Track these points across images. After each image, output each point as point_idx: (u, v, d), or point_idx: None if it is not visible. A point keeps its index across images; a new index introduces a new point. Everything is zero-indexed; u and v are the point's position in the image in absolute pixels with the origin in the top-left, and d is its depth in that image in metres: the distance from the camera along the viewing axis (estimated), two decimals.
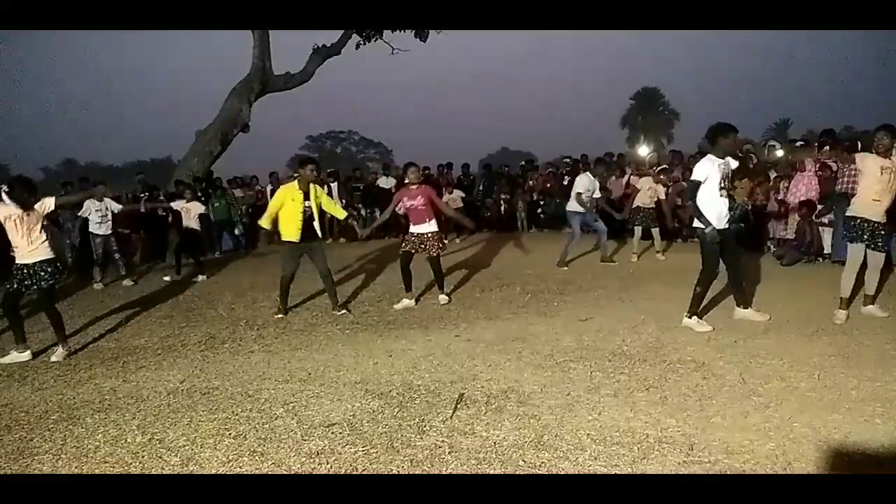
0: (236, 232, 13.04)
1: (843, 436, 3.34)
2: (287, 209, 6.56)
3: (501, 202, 14.86)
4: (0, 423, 4.02)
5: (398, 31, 16.10)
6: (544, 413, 3.77)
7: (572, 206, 9.15)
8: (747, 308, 5.75)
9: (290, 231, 6.58)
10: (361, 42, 16.32)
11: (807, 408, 3.71)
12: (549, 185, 14.48)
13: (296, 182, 6.67)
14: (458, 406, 3.92)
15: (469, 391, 4.17)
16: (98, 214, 9.14)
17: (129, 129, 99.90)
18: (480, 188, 15.38)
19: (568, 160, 14.84)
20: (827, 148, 9.26)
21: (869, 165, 5.43)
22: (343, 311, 6.73)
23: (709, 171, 5.37)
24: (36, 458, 3.49)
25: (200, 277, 9.39)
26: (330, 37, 16.20)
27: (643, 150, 15.65)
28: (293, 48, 16.36)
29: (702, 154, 13.32)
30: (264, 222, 6.80)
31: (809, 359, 4.55)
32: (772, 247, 9.57)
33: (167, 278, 9.45)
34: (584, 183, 9.07)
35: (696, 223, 5.47)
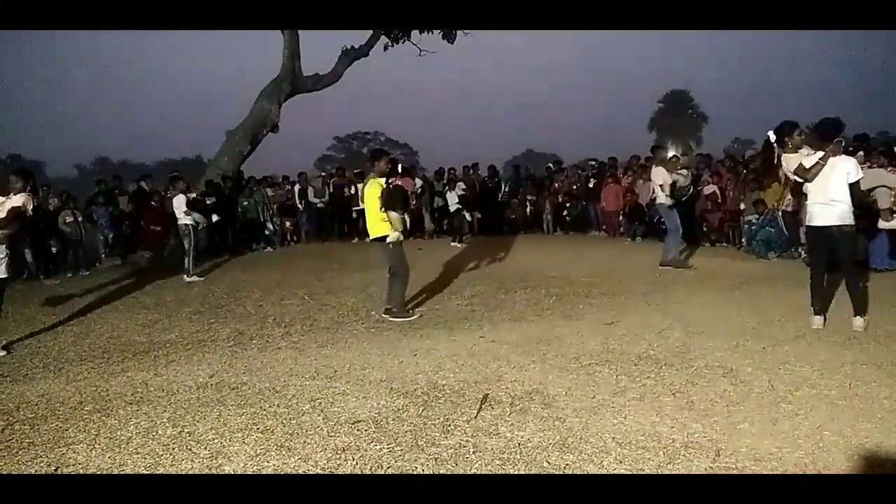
0: (266, 231, 13.20)
1: (874, 445, 3.29)
2: None
3: (527, 204, 14.84)
4: (37, 413, 4.14)
5: (426, 32, 16.18)
6: (569, 416, 3.76)
7: (662, 199, 8.99)
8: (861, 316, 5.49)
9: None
10: (389, 44, 16.43)
11: (837, 416, 3.65)
12: (574, 188, 14.42)
13: (377, 177, 6.54)
14: (483, 406, 3.93)
15: (493, 392, 4.18)
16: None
17: (160, 129, 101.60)
18: (506, 189, 15.37)
19: (594, 163, 14.76)
20: (861, 153, 9.08)
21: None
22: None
23: None
24: (71, 447, 3.59)
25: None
26: (358, 39, 16.35)
27: (672, 153, 15.44)
28: (322, 50, 16.53)
29: (731, 158, 13.19)
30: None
31: (840, 366, 4.47)
32: (802, 252, 9.39)
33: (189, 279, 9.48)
34: (662, 173, 8.98)
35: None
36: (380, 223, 6.44)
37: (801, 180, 5.49)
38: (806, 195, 5.56)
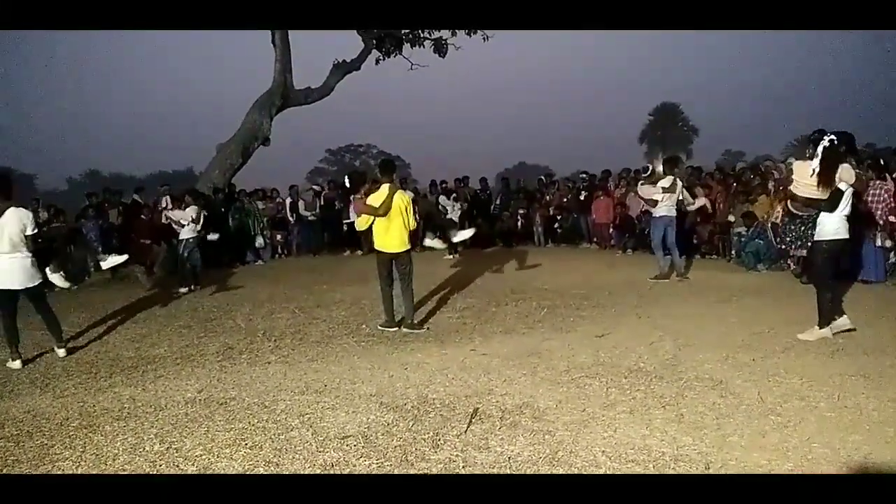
0: (257, 244, 13.15)
1: (862, 457, 3.29)
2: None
3: (518, 216, 14.86)
4: (22, 430, 4.09)
5: (417, 46, 16.28)
6: (559, 429, 3.76)
7: (671, 211, 9.04)
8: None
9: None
10: (381, 57, 16.50)
11: (826, 428, 3.66)
12: (565, 200, 14.47)
13: (398, 188, 6.61)
14: (473, 420, 3.92)
15: (484, 406, 4.17)
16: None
17: (151, 141, 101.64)
18: (498, 202, 15.40)
19: (584, 175, 14.82)
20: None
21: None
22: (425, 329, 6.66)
23: None
24: (56, 464, 3.55)
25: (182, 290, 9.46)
26: (350, 52, 16.41)
27: (661, 167, 15.60)
28: (314, 63, 16.58)
29: (721, 171, 13.27)
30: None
31: (829, 378, 4.49)
32: (791, 264, 9.46)
33: (183, 290, 9.50)
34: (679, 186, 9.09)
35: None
36: (408, 235, 6.55)
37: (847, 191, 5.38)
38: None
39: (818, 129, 5.57)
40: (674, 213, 9.04)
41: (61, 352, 5.96)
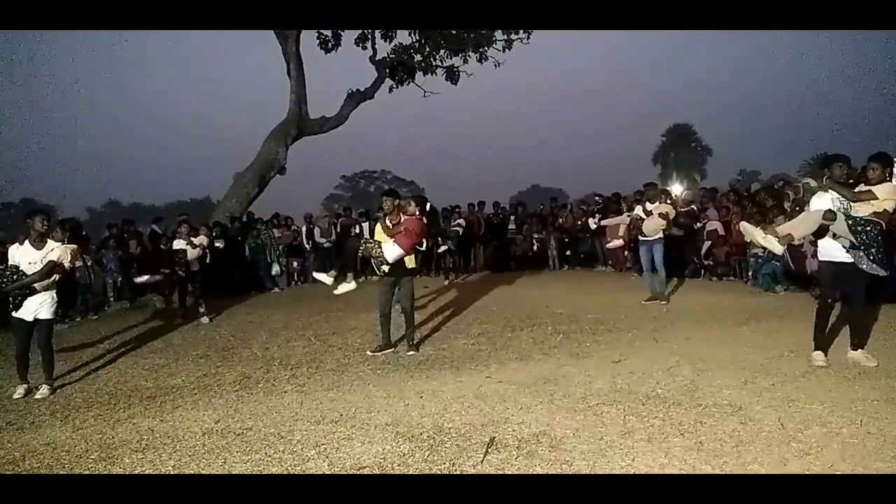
0: (273, 271, 13.26)
1: None
2: None
3: (533, 240, 14.86)
4: (42, 463, 4.13)
5: (429, 74, 16.54)
6: (576, 458, 3.72)
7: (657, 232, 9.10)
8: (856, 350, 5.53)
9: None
10: (394, 86, 16.76)
11: (849, 455, 3.60)
12: (580, 223, 14.45)
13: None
14: (489, 450, 3.89)
15: (500, 435, 4.14)
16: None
17: (170, 172, 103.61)
18: (512, 226, 15.41)
19: (598, 198, 14.82)
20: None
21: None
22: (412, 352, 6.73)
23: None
24: None
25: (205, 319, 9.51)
26: (364, 81, 16.70)
27: (676, 188, 15.59)
28: (328, 93, 16.89)
29: (735, 192, 13.22)
30: None
31: (851, 403, 4.42)
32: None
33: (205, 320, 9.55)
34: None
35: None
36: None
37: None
38: None
39: (879, 152, 5.46)
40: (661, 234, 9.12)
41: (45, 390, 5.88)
